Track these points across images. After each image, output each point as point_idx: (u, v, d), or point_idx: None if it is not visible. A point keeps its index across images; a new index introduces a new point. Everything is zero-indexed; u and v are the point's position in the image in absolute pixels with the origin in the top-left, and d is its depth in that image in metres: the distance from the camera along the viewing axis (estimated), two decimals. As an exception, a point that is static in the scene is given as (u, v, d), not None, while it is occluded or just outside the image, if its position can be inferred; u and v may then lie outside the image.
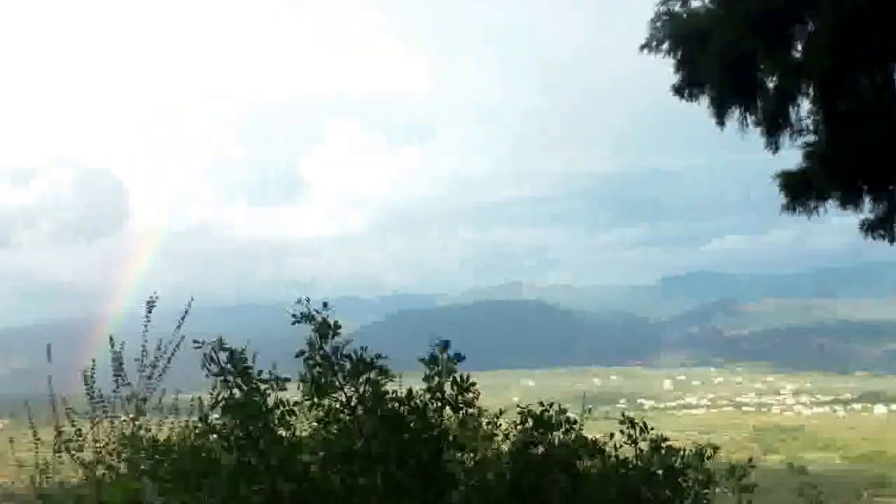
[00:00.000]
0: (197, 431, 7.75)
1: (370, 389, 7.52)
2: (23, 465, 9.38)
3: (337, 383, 7.49)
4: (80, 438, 9.08)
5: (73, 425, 9.12)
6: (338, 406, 7.59)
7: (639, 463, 8.69)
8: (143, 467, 8.11)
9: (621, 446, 8.70)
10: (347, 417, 7.61)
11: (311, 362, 7.46)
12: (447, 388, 7.69)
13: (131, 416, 9.13)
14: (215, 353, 7.33)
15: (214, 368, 7.34)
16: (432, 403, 7.71)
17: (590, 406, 10.00)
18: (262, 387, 7.40)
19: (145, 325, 9.45)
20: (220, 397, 7.40)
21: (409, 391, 7.70)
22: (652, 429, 8.86)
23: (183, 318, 9.59)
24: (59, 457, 9.13)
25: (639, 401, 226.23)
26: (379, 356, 7.54)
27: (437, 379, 7.69)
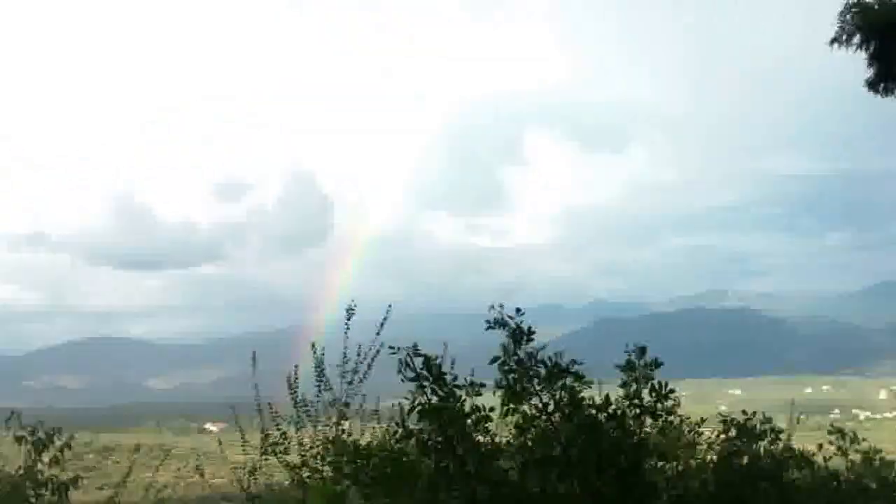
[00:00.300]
0: (396, 436, 7.83)
1: (566, 395, 7.46)
2: (238, 467, 9.71)
3: (532, 389, 7.46)
4: (286, 442, 9.34)
5: (279, 429, 9.39)
6: (534, 412, 7.55)
7: (850, 476, 8.30)
8: (345, 471, 8.25)
9: (831, 458, 8.33)
10: (544, 424, 7.56)
11: (505, 368, 7.46)
12: (645, 394, 7.56)
13: (334, 420, 9.32)
14: (410, 358, 7.41)
15: (409, 374, 7.42)
16: (630, 410, 7.58)
17: (799, 415, 9.61)
18: (458, 392, 7.44)
19: (345, 332, 9.63)
20: (416, 402, 7.46)
21: (607, 398, 7.59)
22: (863, 440, 8.45)
23: (382, 325, 9.71)
24: (266, 459, 9.43)
25: (853, 411, 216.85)
26: (575, 362, 7.46)
27: (634, 385, 7.57)
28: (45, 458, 7.90)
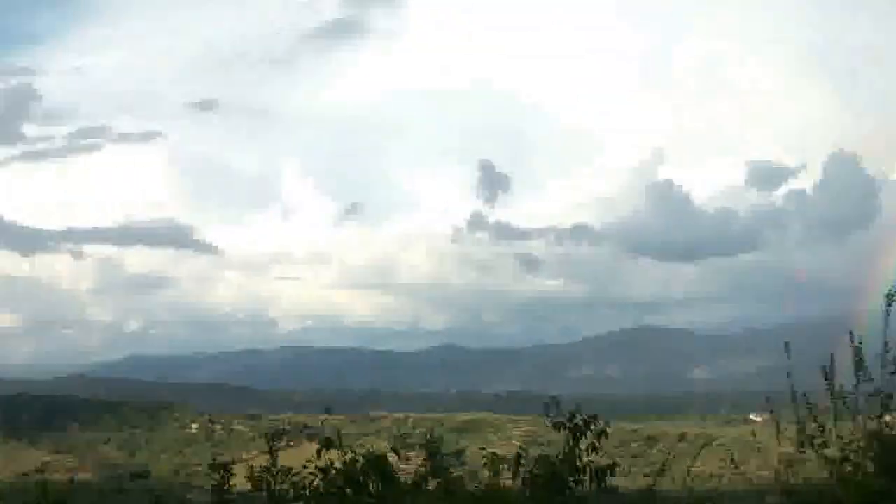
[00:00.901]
0: None
1: None
2: (784, 460, 9.65)
3: None
4: (823, 435, 9.07)
5: (816, 422, 9.15)
6: None
7: None
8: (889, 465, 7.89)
9: None
10: None
11: None
12: None
13: (876, 413, 8.92)
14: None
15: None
16: None
17: None
18: None
19: (885, 320, 9.18)
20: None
21: None
22: None
23: (926, 313, 9.12)
24: (804, 453, 9.23)
25: None
26: None
27: None
28: (583, 444, 8.32)
